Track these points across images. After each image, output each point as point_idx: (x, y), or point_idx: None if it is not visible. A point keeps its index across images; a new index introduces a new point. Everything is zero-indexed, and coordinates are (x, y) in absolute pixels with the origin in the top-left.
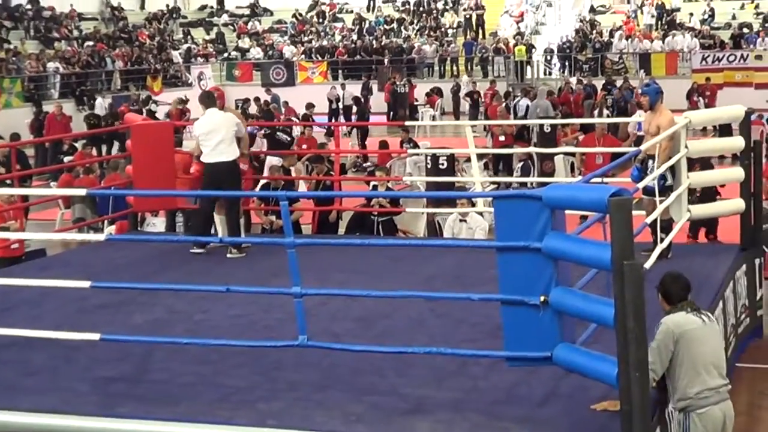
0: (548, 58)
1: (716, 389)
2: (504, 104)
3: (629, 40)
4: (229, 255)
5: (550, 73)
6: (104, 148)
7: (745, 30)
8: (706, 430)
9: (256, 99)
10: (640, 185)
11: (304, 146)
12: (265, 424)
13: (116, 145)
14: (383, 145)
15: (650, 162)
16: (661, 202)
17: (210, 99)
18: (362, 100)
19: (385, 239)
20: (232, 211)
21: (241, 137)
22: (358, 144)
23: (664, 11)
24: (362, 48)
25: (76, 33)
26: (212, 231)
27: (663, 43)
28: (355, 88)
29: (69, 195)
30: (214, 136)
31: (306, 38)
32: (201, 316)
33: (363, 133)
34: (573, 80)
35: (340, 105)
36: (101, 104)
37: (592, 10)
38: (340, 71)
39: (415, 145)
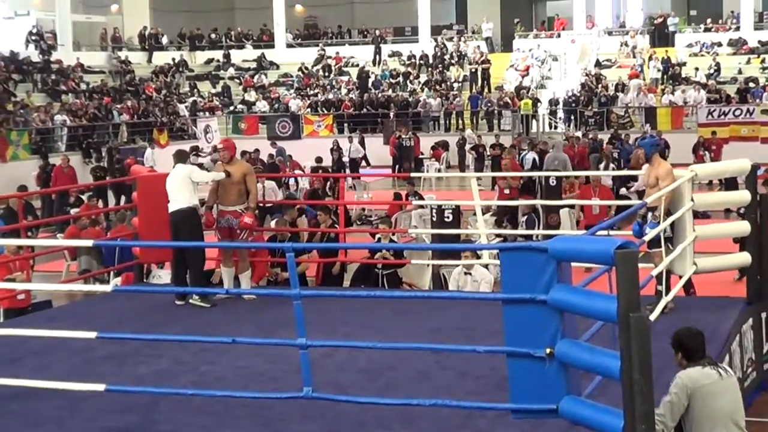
0: (553, 109)
1: None
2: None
3: (636, 93)
4: (191, 301)
5: (555, 127)
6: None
7: (752, 84)
8: None
9: (252, 151)
10: (646, 238)
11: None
12: None
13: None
14: (397, 196)
15: (649, 215)
16: (664, 253)
17: (180, 156)
18: (339, 152)
19: (391, 291)
20: (197, 260)
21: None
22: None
23: (670, 65)
24: (368, 101)
25: (83, 86)
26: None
27: (673, 96)
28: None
29: (75, 246)
30: (173, 188)
31: (312, 92)
32: (206, 367)
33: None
34: (578, 134)
35: (346, 158)
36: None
37: (598, 64)
38: (345, 125)
39: (421, 199)
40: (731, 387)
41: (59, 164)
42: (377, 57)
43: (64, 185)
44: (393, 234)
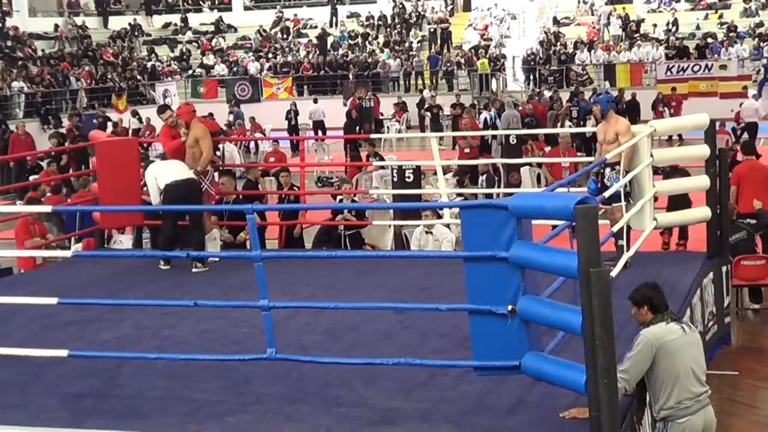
0: (501, 66)
1: (696, 398)
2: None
3: (592, 51)
4: (194, 270)
5: (507, 85)
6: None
7: (710, 40)
8: None
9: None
10: (607, 194)
11: (272, 159)
12: None
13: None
14: (356, 157)
15: (608, 171)
16: (624, 208)
17: None
18: (293, 113)
19: (353, 252)
20: (197, 227)
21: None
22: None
23: (629, 22)
24: (327, 63)
25: (39, 52)
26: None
27: (630, 53)
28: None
29: (35, 213)
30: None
31: (271, 54)
32: (169, 331)
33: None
34: (537, 91)
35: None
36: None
37: (556, 22)
38: (305, 87)
39: (381, 159)
40: (694, 342)
41: (16, 132)
42: (334, 18)
43: (22, 152)
44: (354, 195)
